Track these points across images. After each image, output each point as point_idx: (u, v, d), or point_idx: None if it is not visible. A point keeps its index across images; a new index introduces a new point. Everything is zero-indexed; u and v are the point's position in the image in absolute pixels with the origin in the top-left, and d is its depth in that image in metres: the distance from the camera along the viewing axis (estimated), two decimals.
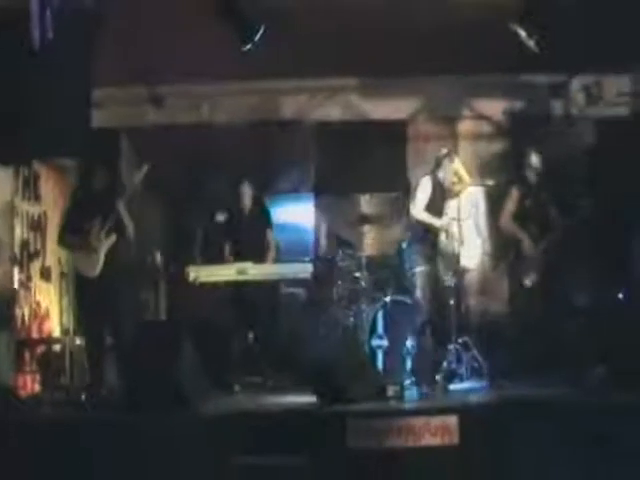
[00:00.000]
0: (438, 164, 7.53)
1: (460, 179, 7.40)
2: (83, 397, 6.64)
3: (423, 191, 7.48)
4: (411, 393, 6.40)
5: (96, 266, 6.93)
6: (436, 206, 7.41)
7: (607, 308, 7.43)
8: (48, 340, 7.69)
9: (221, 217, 8.19)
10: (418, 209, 7.45)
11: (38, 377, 7.35)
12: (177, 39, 7.47)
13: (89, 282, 6.96)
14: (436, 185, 7.47)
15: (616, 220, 8.44)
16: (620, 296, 7.40)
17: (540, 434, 5.52)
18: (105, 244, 6.98)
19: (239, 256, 7.81)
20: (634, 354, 6.46)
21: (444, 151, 7.64)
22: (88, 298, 7.07)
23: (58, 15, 6.59)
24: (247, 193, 8.08)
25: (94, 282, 6.93)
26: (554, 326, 7.31)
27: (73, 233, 7.09)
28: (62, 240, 7.30)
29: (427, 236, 7.34)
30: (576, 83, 9.20)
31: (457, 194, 7.31)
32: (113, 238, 7.02)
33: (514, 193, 7.63)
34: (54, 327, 8.04)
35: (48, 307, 8.00)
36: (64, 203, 8.18)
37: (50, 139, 7.57)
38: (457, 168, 7.45)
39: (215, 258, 7.95)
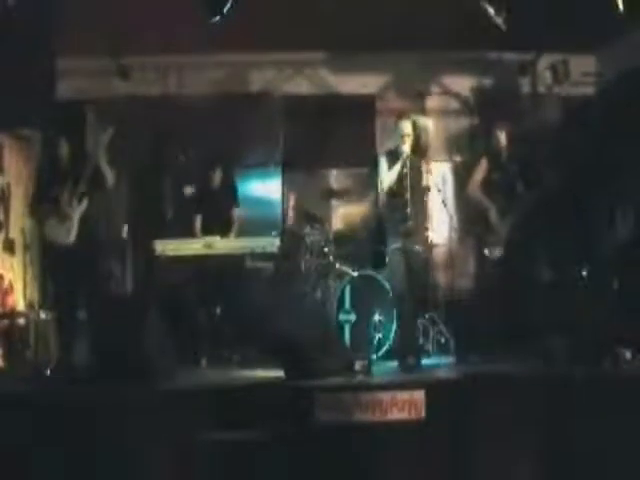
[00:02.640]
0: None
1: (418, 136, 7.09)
2: (48, 371, 6.58)
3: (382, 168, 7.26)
4: (378, 367, 6.46)
5: (70, 233, 6.86)
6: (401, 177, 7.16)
7: (570, 282, 7.52)
8: (12, 314, 7.60)
9: (189, 190, 8.14)
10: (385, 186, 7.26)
11: (2, 351, 7.27)
12: (144, 10, 7.36)
13: (62, 251, 6.88)
14: (393, 156, 7.24)
15: (580, 196, 8.53)
16: (583, 272, 7.48)
17: (506, 408, 5.58)
18: (78, 210, 6.89)
19: (206, 230, 7.80)
20: (596, 327, 6.58)
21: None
22: (61, 268, 6.97)
23: None
24: (218, 168, 8.05)
25: (67, 251, 6.85)
26: (519, 300, 7.37)
27: (43, 202, 6.99)
28: (33, 212, 7.21)
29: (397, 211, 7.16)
30: (543, 62, 9.28)
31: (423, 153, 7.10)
32: (85, 203, 6.94)
33: (483, 163, 7.62)
34: (18, 301, 7.95)
35: (12, 280, 7.91)
36: (28, 174, 8.09)
37: (13, 110, 7.48)
38: (407, 128, 7.04)
39: (183, 232, 7.91)
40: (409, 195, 6.92)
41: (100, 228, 7.63)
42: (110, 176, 6.97)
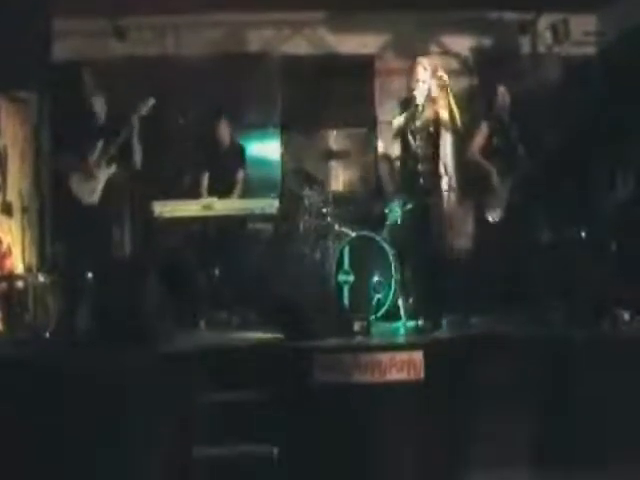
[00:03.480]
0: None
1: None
2: (47, 334, 6.59)
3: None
4: (377, 328, 6.46)
5: (94, 193, 6.95)
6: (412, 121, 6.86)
7: (569, 244, 7.51)
8: (10, 277, 7.57)
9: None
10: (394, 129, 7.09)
11: (0, 314, 7.25)
12: None
13: (83, 209, 6.97)
14: (405, 104, 7.07)
15: (580, 156, 8.49)
16: (582, 233, 7.47)
17: (504, 369, 5.60)
18: (105, 172, 6.99)
19: (211, 191, 7.79)
20: (595, 289, 6.58)
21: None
22: (80, 227, 7.06)
23: None
24: (225, 130, 8.04)
25: (88, 210, 6.93)
26: (518, 262, 7.36)
27: (69, 154, 7.01)
28: (55, 162, 7.26)
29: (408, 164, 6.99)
30: (543, 21, 9.20)
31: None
32: (113, 168, 7.00)
33: (483, 128, 7.55)
34: (16, 264, 7.93)
35: (10, 244, 7.88)
36: (24, 136, 8.05)
37: (9, 71, 7.42)
38: (420, 73, 6.86)
39: (187, 193, 7.89)
40: (420, 146, 6.78)
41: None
42: (139, 156, 7.03)
